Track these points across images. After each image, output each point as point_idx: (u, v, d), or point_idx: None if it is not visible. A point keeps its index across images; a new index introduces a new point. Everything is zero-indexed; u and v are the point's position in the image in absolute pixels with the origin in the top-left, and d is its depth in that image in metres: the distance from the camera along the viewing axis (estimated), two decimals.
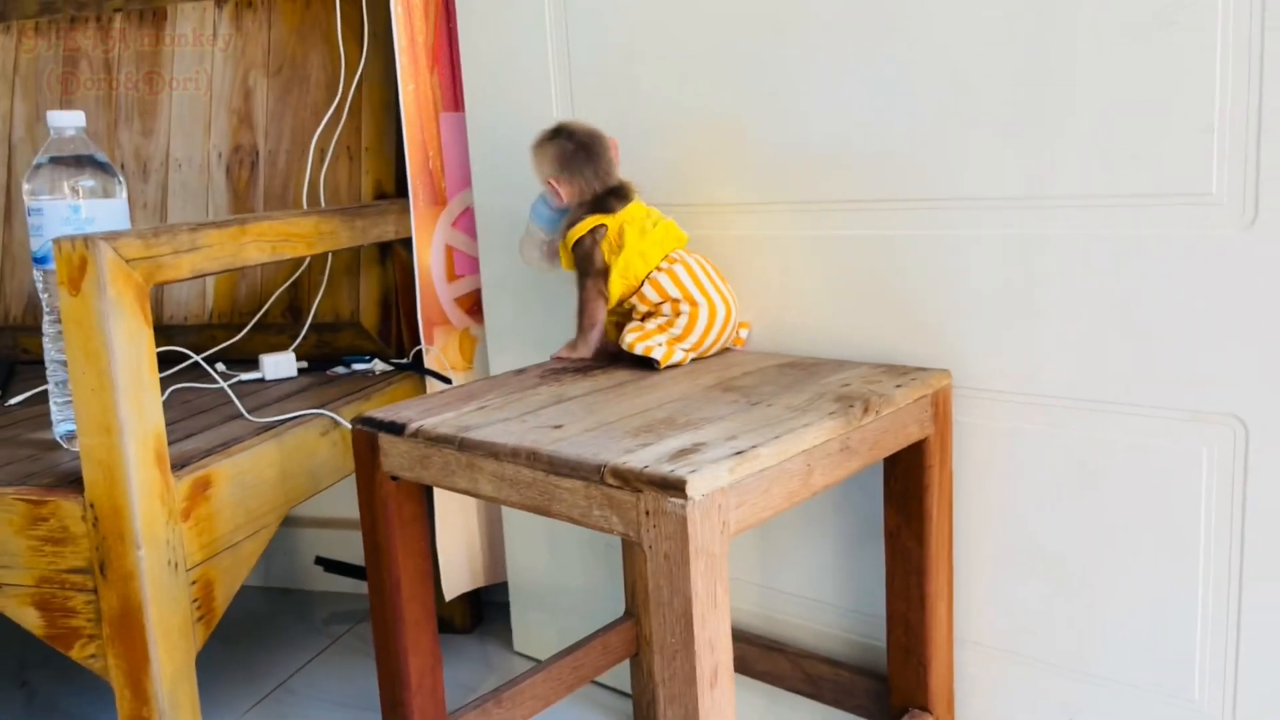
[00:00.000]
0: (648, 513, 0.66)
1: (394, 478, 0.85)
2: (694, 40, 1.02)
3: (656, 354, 0.94)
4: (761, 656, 1.06)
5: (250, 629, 1.49)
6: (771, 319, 1.02)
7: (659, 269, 0.96)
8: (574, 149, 0.98)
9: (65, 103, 1.49)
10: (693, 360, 0.97)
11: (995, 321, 0.88)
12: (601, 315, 0.99)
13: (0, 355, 1.48)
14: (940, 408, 0.88)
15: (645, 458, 0.68)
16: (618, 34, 1.08)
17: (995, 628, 0.93)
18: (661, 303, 0.96)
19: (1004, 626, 0.92)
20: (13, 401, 1.23)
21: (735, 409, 0.80)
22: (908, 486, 0.89)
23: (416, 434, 0.81)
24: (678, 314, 0.96)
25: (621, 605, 1.22)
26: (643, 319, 0.97)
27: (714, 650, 0.67)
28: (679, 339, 0.96)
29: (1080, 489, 0.86)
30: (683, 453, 0.69)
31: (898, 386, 0.84)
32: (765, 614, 1.08)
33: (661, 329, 0.96)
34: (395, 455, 0.83)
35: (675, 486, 0.64)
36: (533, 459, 0.72)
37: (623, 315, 1.00)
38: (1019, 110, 0.84)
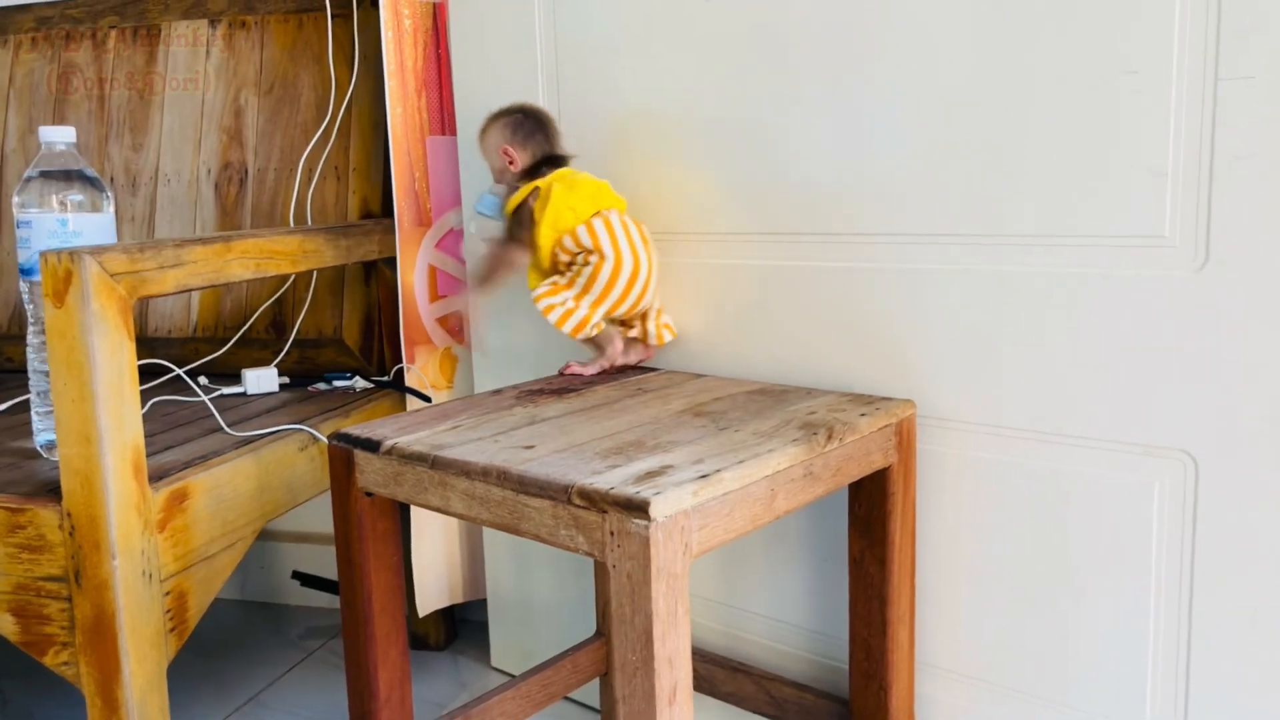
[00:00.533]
0: (612, 533, 0.68)
1: (368, 494, 0.86)
2: (676, 75, 1.05)
3: (552, 317, 0.99)
4: (727, 678, 1.07)
5: (224, 642, 1.50)
6: (742, 347, 1.04)
7: (585, 224, 0.99)
8: (524, 118, 1.04)
9: (58, 116, 1.51)
10: (642, 388, 0.99)
11: (959, 354, 0.90)
12: (501, 276, 1.04)
13: None
14: (904, 436, 0.90)
15: (612, 479, 0.70)
16: (604, 66, 1.10)
17: (956, 653, 0.95)
18: (578, 253, 0.99)
19: (965, 652, 0.94)
20: (4, 407, 1.24)
21: (703, 433, 0.82)
22: (871, 512, 0.91)
23: (391, 451, 0.82)
24: (585, 266, 0.99)
25: (594, 624, 1.24)
26: (565, 274, 1.01)
27: (673, 668, 0.68)
28: (584, 292, 0.98)
29: (1039, 518, 0.88)
30: (649, 475, 0.71)
31: (862, 415, 0.86)
32: (730, 633, 1.10)
33: (569, 284, 0.99)
34: (370, 472, 0.85)
35: (639, 508, 0.66)
36: (503, 478, 0.74)
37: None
38: (983, 150, 0.87)
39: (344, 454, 0.86)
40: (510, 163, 1.04)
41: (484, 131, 1.06)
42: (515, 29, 1.17)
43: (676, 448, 0.78)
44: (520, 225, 1.02)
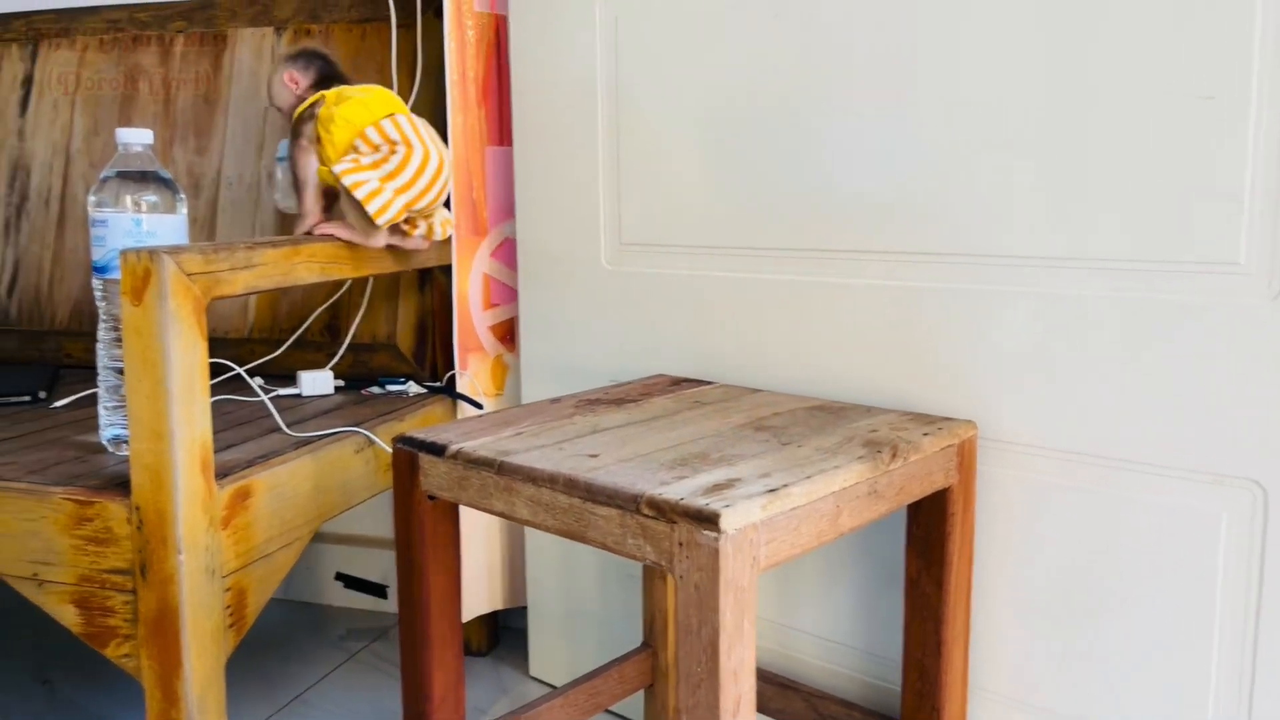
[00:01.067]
0: (681, 544, 0.68)
1: (431, 497, 0.87)
2: (734, 88, 1.06)
3: (362, 192, 1.06)
4: (777, 695, 1.07)
5: (270, 641, 1.51)
6: (802, 362, 1.04)
7: (389, 118, 1.10)
8: (304, 52, 1.19)
9: (123, 118, 1.54)
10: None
11: (1023, 377, 0.90)
12: (313, 173, 1.14)
13: (45, 359, 1.52)
14: (965, 458, 0.90)
15: (680, 490, 0.70)
16: (662, 76, 1.11)
17: (1010, 677, 0.94)
18: (381, 144, 1.09)
19: (1019, 676, 0.94)
20: (57, 404, 1.26)
21: (767, 448, 0.82)
22: (930, 533, 0.91)
23: (456, 456, 0.83)
24: (393, 154, 1.08)
25: (639, 635, 1.24)
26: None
27: (738, 681, 0.69)
28: (392, 176, 1.07)
29: (1100, 544, 0.88)
30: (717, 487, 0.71)
31: (925, 435, 0.86)
32: (783, 652, 1.10)
33: (375, 165, 1.08)
34: (434, 475, 0.86)
35: (709, 520, 0.67)
36: (570, 486, 0.75)
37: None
38: (1054, 171, 0.87)
39: (408, 457, 0.87)
40: (295, 85, 1.17)
41: (270, 79, 1.19)
42: (575, 40, 1.18)
43: (741, 461, 0.78)
44: (302, 131, 1.14)
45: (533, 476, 0.77)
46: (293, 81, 1.18)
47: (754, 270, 1.07)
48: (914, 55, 0.94)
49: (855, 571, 1.04)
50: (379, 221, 1.07)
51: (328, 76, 1.19)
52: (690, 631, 0.68)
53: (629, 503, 0.71)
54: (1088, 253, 0.86)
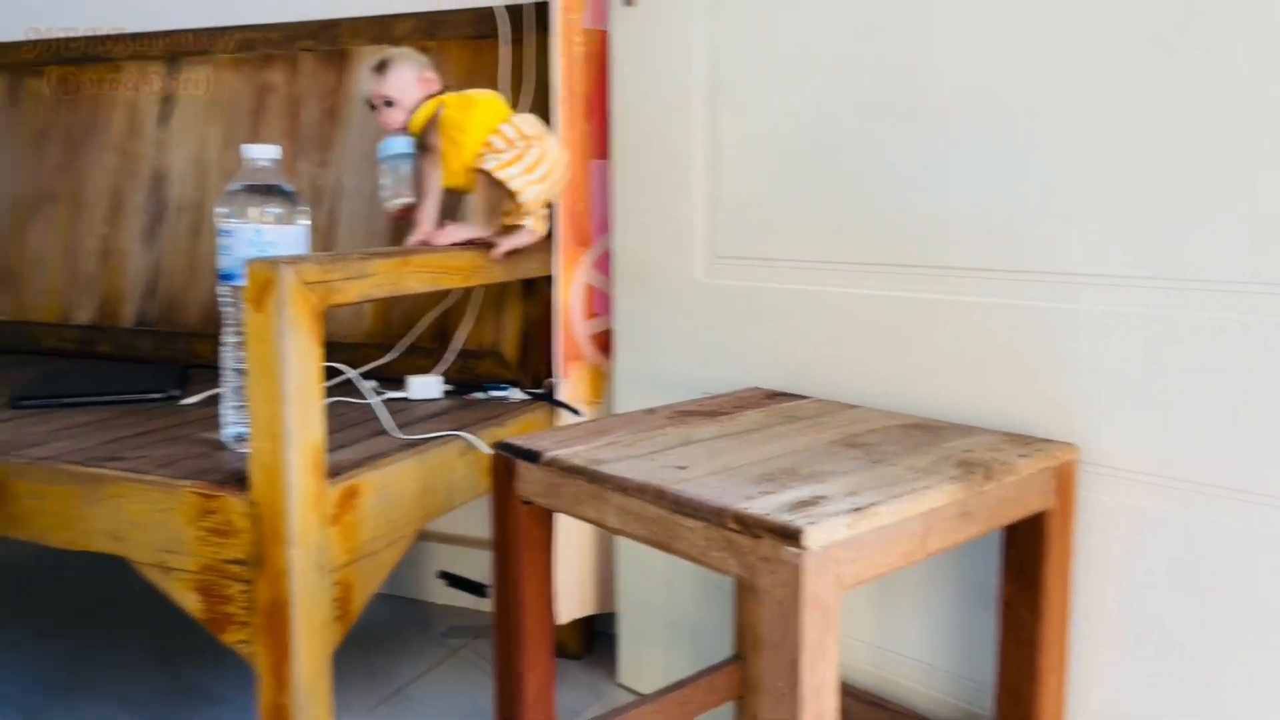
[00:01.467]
0: (764, 559, 0.69)
1: (527, 502, 0.90)
2: (827, 100, 1.06)
3: (515, 184, 1.16)
4: (865, 713, 1.06)
5: (375, 634, 1.57)
6: (899, 378, 1.04)
7: (507, 122, 1.19)
8: (412, 52, 1.24)
9: (253, 133, 1.62)
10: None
11: (1128, 400, 0.88)
12: (437, 184, 1.21)
13: (177, 359, 1.61)
14: (1064, 481, 0.88)
15: (766, 505, 0.71)
16: (759, 91, 1.12)
17: (1107, 707, 0.92)
18: (516, 140, 1.18)
19: (1117, 706, 0.91)
20: (186, 402, 1.34)
21: (857, 465, 0.82)
22: (1025, 556, 0.90)
23: (551, 463, 0.86)
24: (528, 153, 1.18)
25: (730, 646, 1.25)
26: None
27: (819, 697, 0.69)
28: (530, 169, 1.17)
29: (1204, 574, 0.85)
30: (803, 504, 0.72)
31: (1021, 456, 0.85)
32: (879, 674, 1.09)
33: (515, 160, 1.17)
34: (530, 481, 0.89)
35: (793, 536, 0.67)
36: (658, 496, 0.76)
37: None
38: (1161, 189, 0.84)
39: (506, 463, 0.90)
40: (431, 85, 1.22)
41: (387, 71, 1.21)
42: (672, 55, 1.20)
43: (830, 478, 0.78)
44: (430, 143, 1.20)
45: (623, 486, 0.79)
46: (428, 83, 1.23)
47: (850, 285, 1.07)
48: (1013, 69, 0.92)
49: (951, 593, 1.02)
50: (523, 199, 1.19)
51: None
52: (772, 646, 0.69)
53: (715, 516, 0.72)
54: (1194, 273, 0.83)
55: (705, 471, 0.80)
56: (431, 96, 1.23)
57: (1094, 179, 0.88)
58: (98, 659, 1.47)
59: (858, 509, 0.71)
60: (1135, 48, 0.85)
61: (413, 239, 1.21)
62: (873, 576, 0.72)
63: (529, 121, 1.21)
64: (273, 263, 0.92)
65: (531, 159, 1.18)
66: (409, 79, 1.22)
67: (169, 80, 1.71)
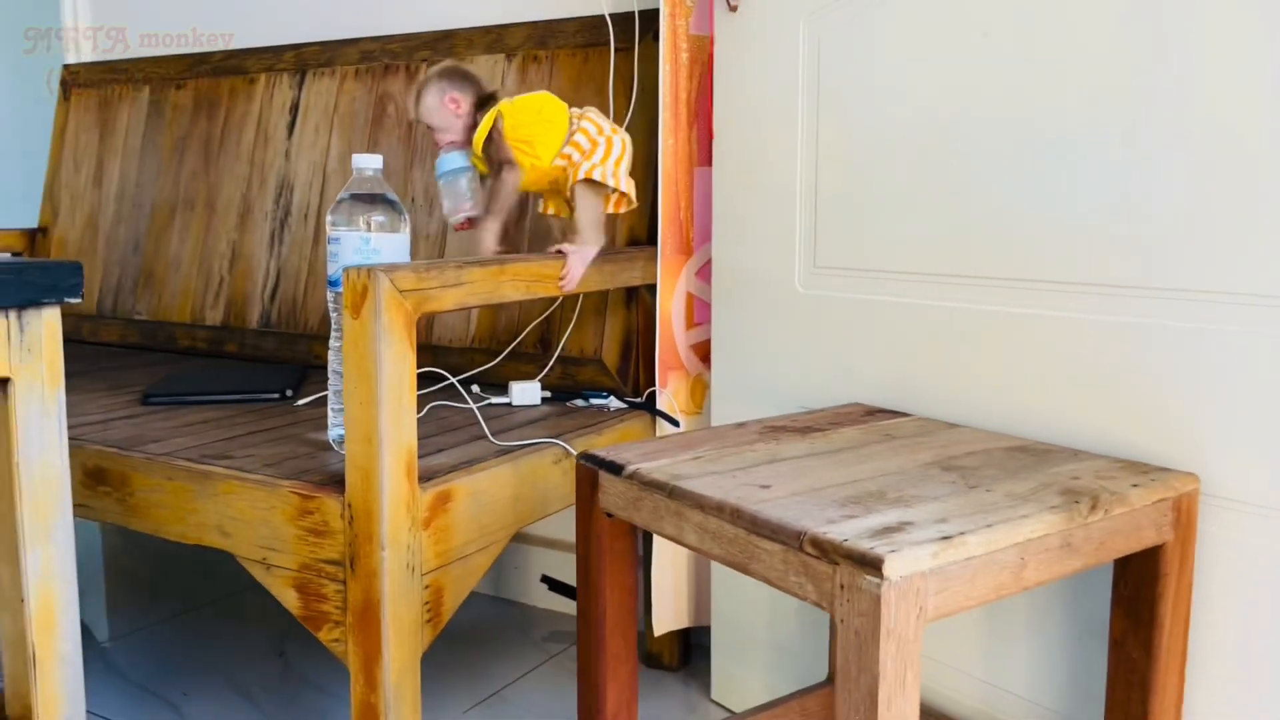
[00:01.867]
0: (842, 586, 0.66)
1: (609, 514, 0.89)
2: (937, 106, 1.01)
3: (614, 181, 1.19)
4: None
5: (477, 636, 1.59)
6: (1007, 398, 0.98)
7: (577, 120, 1.21)
8: (450, 71, 1.23)
9: (372, 142, 1.67)
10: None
11: (1257, 428, 0.81)
12: (506, 199, 1.22)
13: (297, 360, 1.67)
14: (1183, 513, 0.82)
15: (846, 530, 0.68)
16: (862, 100, 1.09)
17: None
18: (597, 136, 1.19)
19: None
20: (301, 402, 1.39)
21: (951, 490, 0.78)
22: (1139, 593, 0.84)
23: (632, 476, 0.85)
24: (611, 143, 1.20)
25: (826, 668, 1.21)
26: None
27: None
28: (619, 161, 1.20)
29: None
30: (886, 530, 0.69)
31: (1134, 486, 0.79)
32: (989, 712, 1.04)
33: (606, 155, 1.19)
34: (612, 493, 0.88)
35: (873, 564, 0.64)
36: (736, 516, 0.74)
37: (557, 188, 1.24)
38: None
39: (590, 474, 0.90)
40: (457, 106, 1.22)
41: (421, 98, 1.23)
42: (776, 61, 1.17)
43: (920, 503, 0.75)
44: (500, 151, 1.20)
45: (701, 503, 0.77)
46: (454, 104, 1.22)
47: (956, 298, 1.02)
48: (1136, 73, 0.86)
49: (1064, 626, 0.96)
50: (626, 188, 1.21)
51: (483, 97, 1.24)
52: (849, 678, 0.66)
53: (792, 539, 0.70)
54: None
55: (788, 491, 0.77)
56: (467, 119, 1.23)
57: (1226, 191, 0.82)
58: (218, 645, 1.54)
59: (945, 538, 0.67)
60: (1273, 50, 0.78)
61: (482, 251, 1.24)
62: (960, 609, 0.69)
63: (595, 114, 1.23)
64: (369, 271, 0.94)
65: (618, 151, 1.21)
66: (433, 104, 1.23)
67: (296, 91, 1.77)
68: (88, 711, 1.33)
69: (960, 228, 1.01)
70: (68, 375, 1.57)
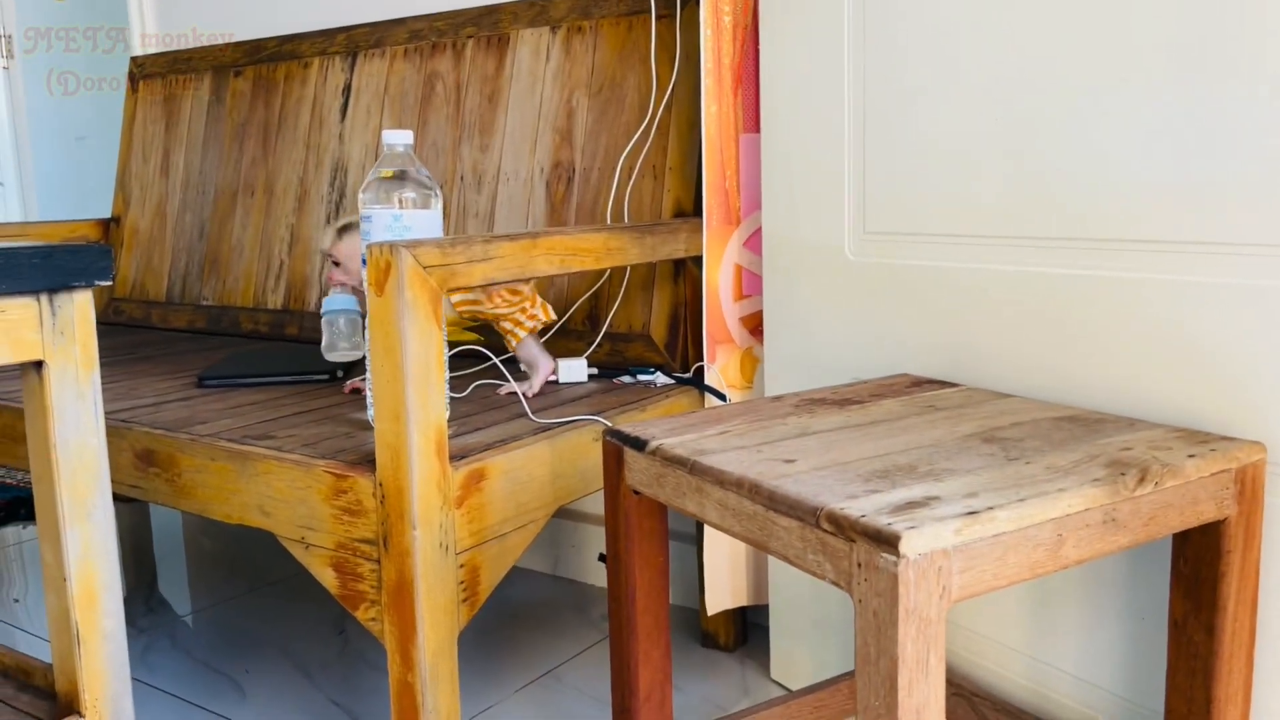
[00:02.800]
0: (859, 565, 0.63)
1: (636, 491, 0.87)
2: (990, 59, 0.95)
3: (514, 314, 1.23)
4: None
5: (533, 614, 1.59)
6: (1060, 365, 0.93)
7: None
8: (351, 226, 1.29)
9: (421, 120, 1.67)
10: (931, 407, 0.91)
11: None
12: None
13: None
14: (1248, 485, 0.76)
15: (866, 506, 0.65)
16: (911, 63, 1.03)
17: None
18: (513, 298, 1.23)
19: None
20: (353, 380, 1.39)
21: (987, 463, 0.73)
22: (1200, 571, 0.78)
23: (655, 452, 0.82)
24: (523, 295, 1.23)
25: None
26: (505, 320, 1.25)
27: None
28: (533, 315, 1.24)
29: None
30: (909, 505, 0.65)
31: (1190, 456, 0.73)
32: (1037, 689, 0.99)
33: (523, 317, 1.24)
34: (637, 470, 0.85)
35: (889, 541, 0.61)
36: (754, 492, 0.71)
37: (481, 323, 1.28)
38: None
39: (615, 450, 0.87)
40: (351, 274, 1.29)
41: (342, 235, 1.28)
42: (821, 18, 1.12)
43: (950, 477, 0.70)
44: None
45: (721, 479, 0.74)
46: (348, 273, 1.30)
47: (1009, 261, 0.97)
48: (1198, 19, 0.79)
49: (1119, 604, 0.91)
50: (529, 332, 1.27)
51: None
52: (869, 661, 0.63)
53: (809, 515, 0.66)
54: None
55: (812, 466, 0.74)
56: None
57: None
58: (281, 623, 1.57)
59: (971, 513, 0.63)
60: None
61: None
62: (989, 589, 0.64)
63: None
64: (392, 246, 0.93)
65: (529, 303, 1.26)
66: (352, 250, 1.27)
67: (348, 74, 1.78)
68: (153, 687, 1.37)
69: (1015, 187, 0.96)
70: (134, 361, 1.61)
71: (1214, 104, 0.80)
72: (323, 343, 1.32)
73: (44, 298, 0.87)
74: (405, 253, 0.93)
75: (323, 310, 1.32)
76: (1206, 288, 0.81)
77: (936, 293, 1.04)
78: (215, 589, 1.71)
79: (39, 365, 0.87)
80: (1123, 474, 0.70)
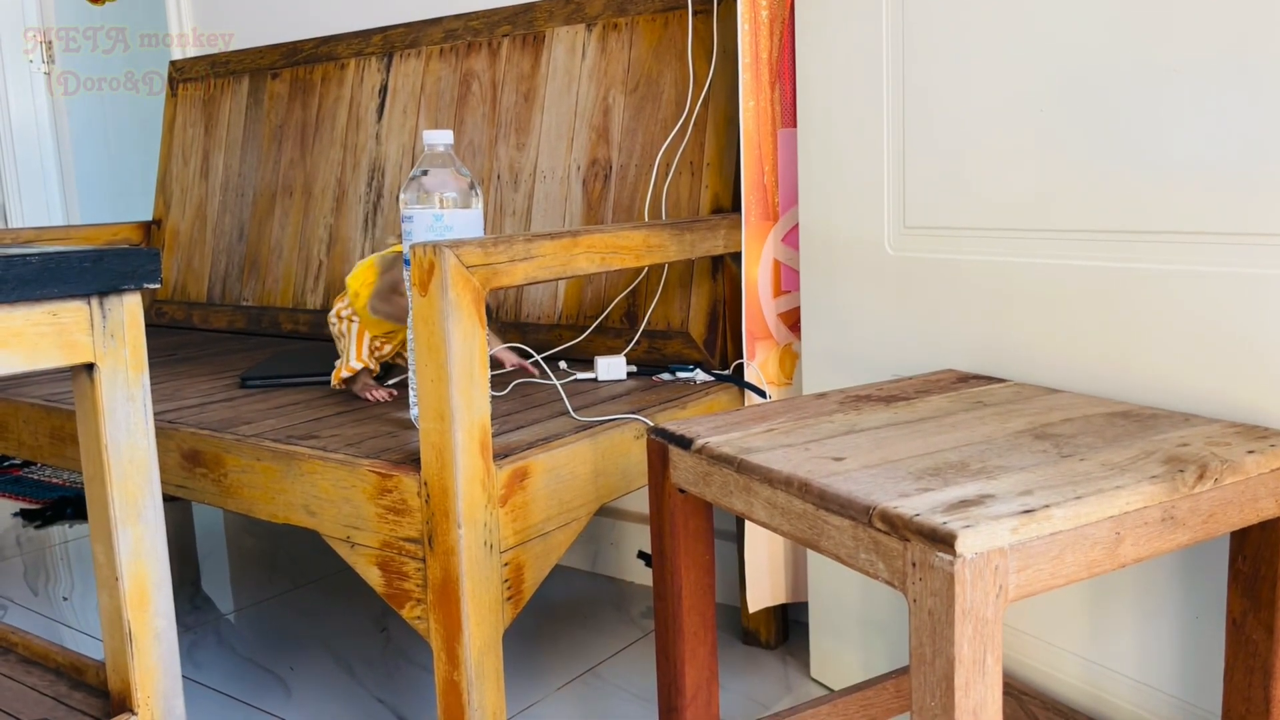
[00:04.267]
0: (914, 564, 0.62)
1: (681, 490, 0.86)
2: (1035, 46, 0.94)
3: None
4: None
5: (573, 612, 1.59)
6: (1111, 360, 0.91)
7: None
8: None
9: (458, 120, 1.67)
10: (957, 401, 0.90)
11: None
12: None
13: None
14: None
15: (919, 504, 0.64)
16: (950, 54, 1.02)
17: None
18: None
19: None
20: (391, 381, 1.40)
21: (1041, 460, 0.72)
22: (1259, 569, 0.76)
23: (701, 450, 0.82)
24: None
25: None
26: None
27: None
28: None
29: None
30: (964, 504, 0.64)
31: (1250, 452, 0.72)
32: (1093, 692, 0.97)
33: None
34: (683, 469, 0.85)
35: (945, 540, 0.60)
36: (804, 490, 0.70)
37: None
38: None
39: (660, 448, 0.87)
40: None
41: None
42: (861, 12, 1.11)
43: (1004, 474, 0.69)
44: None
45: (769, 478, 0.74)
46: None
47: (1056, 254, 0.95)
48: (1260, 1, 0.78)
49: (1176, 603, 0.89)
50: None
51: None
52: (924, 661, 0.62)
53: (861, 514, 0.65)
54: None
55: (862, 464, 0.73)
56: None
57: None
58: (326, 620, 1.58)
59: (1028, 511, 0.62)
60: None
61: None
62: (1047, 588, 0.63)
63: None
64: (435, 246, 0.93)
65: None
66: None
67: (385, 74, 1.79)
68: (200, 684, 1.39)
69: (1058, 178, 0.94)
70: (176, 362, 1.63)
71: (1265, 92, 0.78)
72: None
73: (94, 301, 0.88)
74: (449, 253, 0.93)
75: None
76: (1260, 279, 0.80)
77: (979, 287, 1.02)
78: (258, 587, 1.73)
79: (90, 368, 0.88)
80: (1181, 471, 0.68)
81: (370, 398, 1.28)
